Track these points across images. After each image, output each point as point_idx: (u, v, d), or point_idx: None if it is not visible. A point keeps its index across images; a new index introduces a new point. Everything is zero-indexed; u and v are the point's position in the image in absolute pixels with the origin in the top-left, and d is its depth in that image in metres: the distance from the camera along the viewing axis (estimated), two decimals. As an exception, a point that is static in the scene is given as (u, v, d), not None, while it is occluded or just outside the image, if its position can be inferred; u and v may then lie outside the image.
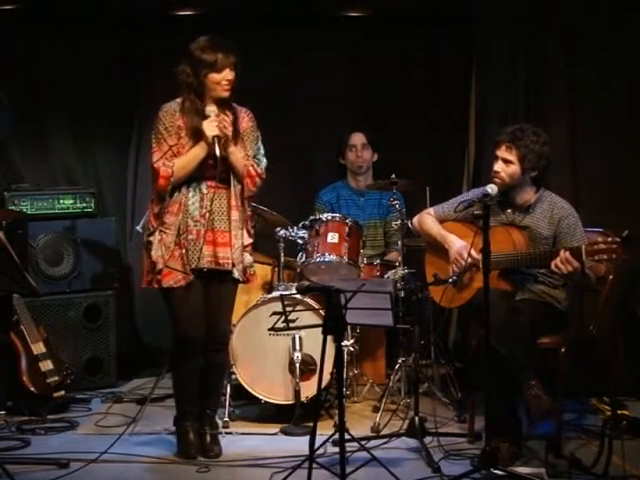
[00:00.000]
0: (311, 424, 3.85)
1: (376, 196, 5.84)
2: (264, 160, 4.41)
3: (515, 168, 4.34)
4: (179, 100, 4.24)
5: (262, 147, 4.43)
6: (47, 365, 5.07)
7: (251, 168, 4.30)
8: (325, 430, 4.27)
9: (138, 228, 5.33)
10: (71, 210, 5.59)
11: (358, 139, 5.85)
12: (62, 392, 5.08)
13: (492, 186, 4.22)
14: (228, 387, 4.89)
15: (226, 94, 4.20)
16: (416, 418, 4.39)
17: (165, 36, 6.04)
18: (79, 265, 5.52)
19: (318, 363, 4.51)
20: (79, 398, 5.28)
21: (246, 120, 4.35)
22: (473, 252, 4.28)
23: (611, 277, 4.41)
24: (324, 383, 4.64)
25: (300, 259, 5.16)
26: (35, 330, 5.09)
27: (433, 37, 6.18)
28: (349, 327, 4.97)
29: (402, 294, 5.01)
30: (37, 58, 5.94)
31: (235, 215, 4.26)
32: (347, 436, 3.86)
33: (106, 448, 4.26)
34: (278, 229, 5.12)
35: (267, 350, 4.87)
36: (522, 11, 5.76)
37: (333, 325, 3.61)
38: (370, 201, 5.87)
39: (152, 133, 4.23)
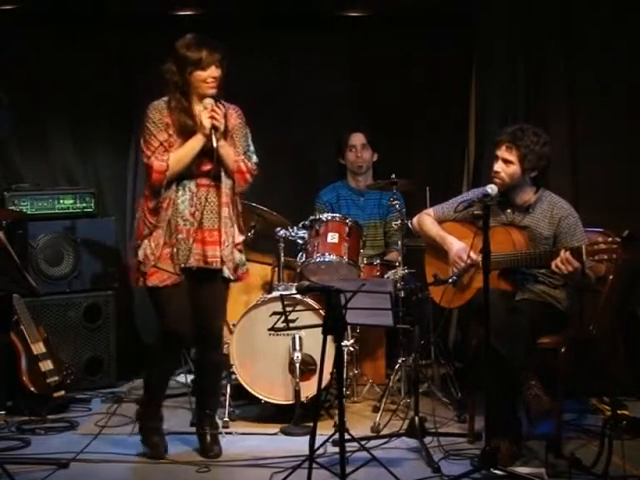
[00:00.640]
0: (311, 424, 3.85)
1: (376, 196, 5.84)
2: (254, 157, 4.39)
3: (515, 168, 4.34)
4: (166, 98, 4.23)
5: (252, 144, 4.41)
6: (47, 365, 5.07)
7: (242, 164, 4.28)
8: (325, 430, 4.27)
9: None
10: (71, 210, 5.59)
11: (358, 139, 5.85)
12: (62, 392, 5.08)
13: (492, 186, 4.22)
14: (228, 387, 4.89)
15: (212, 92, 4.19)
16: (416, 418, 4.39)
17: (165, 36, 5.99)
18: (79, 265, 5.52)
19: (318, 363, 4.51)
20: (79, 398, 5.28)
21: (234, 117, 4.33)
22: (472, 254, 4.28)
23: (611, 277, 4.41)
24: (324, 383, 4.65)
25: (300, 259, 5.16)
26: (35, 330, 5.09)
27: (433, 37, 6.18)
28: (349, 327, 4.97)
29: (402, 294, 5.01)
30: (37, 58, 5.93)
31: (225, 212, 4.24)
32: (347, 436, 3.86)
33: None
34: (278, 229, 5.12)
35: (267, 350, 4.87)
36: (522, 11, 5.75)
37: (333, 325, 3.62)
38: (370, 201, 5.87)
39: (141, 132, 4.22)
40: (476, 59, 6.07)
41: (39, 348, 5.07)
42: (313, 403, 4.61)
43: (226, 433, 4.65)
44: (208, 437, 4.39)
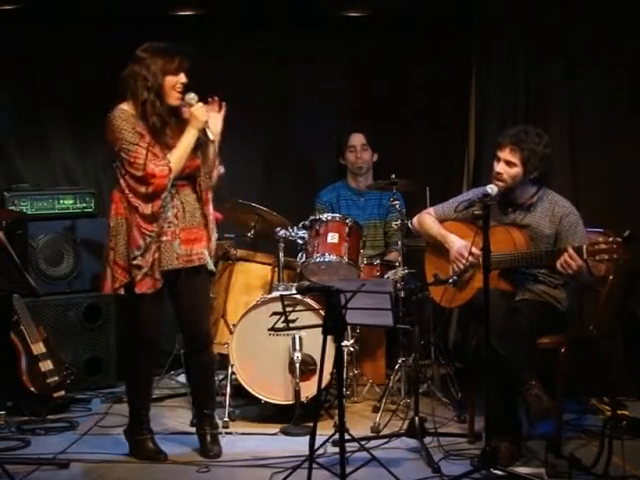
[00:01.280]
0: (311, 424, 3.85)
1: (376, 196, 5.84)
2: None
3: (518, 170, 4.34)
4: (125, 106, 4.14)
5: None
6: (47, 365, 5.07)
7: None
8: (325, 430, 4.28)
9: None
10: (71, 210, 5.59)
11: (358, 140, 5.85)
12: (62, 392, 5.08)
13: (492, 186, 4.22)
14: (228, 387, 4.89)
15: (177, 102, 4.16)
16: (416, 418, 4.39)
17: (165, 36, 6.02)
18: (79, 265, 5.53)
19: (318, 363, 4.51)
20: (79, 398, 5.28)
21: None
22: (474, 249, 4.28)
23: (611, 277, 4.41)
24: (324, 383, 4.65)
25: (300, 259, 5.16)
26: (35, 330, 5.09)
27: (433, 37, 6.18)
28: (349, 327, 4.97)
29: (402, 294, 5.01)
30: (37, 58, 5.93)
31: (210, 209, 4.26)
32: (347, 436, 3.86)
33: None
34: (278, 229, 5.12)
35: (267, 350, 4.87)
36: (522, 11, 5.75)
37: (333, 325, 3.61)
38: (370, 201, 5.87)
39: (119, 144, 4.10)
40: (476, 59, 6.06)
41: (39, 348, 5.07)
42: (313, 403, 4.61)
43: (226, 433, 4.65)
44: (208, 437, 4.39)
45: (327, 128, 6.13)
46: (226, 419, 4.78)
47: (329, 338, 3.74)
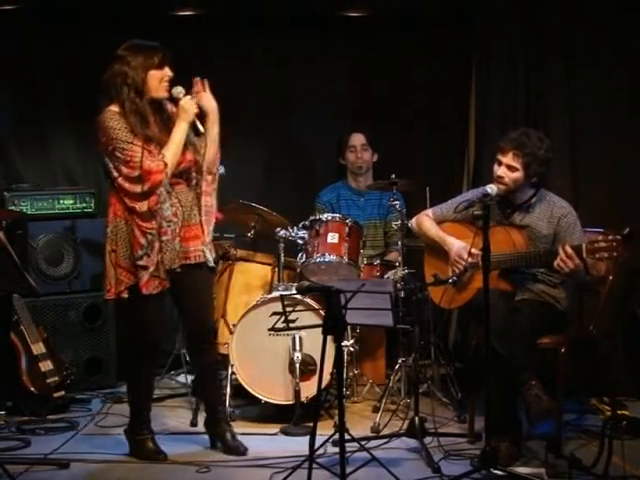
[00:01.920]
0: (311, 424, 3.85)
1: (376, 196, 5.84)
2: None
3: (519, 174, 4.34)
4: (114, 108, 4.15)
5: None
6: (47, 365, 5.07)
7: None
8: (325, 430, 4.27)
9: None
10: (71, 210, 5.59)
11: (358, 140, 5.85)
12: (62, 392, 5.08)
13: (492, 186, 4.22)
14: (228, 387, 4.89)
15: (165, 93, 4.17)
16: (416, 418, 4.39)
17: (165, 36, 6.02)
18: (79, 265, 5.52)
19: (318, 363, 4.51)
20: (79, 398, 5.28)
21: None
22: (473, 250, 4.28)
23: (611, 277, 4.41)
24: (324, 383, 4.65)
25: (300, 259, 5.16)
26: (35, 330, 5.09)
27: (433, 37, 6.18)
28: (349, 327, 4.97)
29: (402, 294, 5.01)
30: (37, 58, 5.93)
31: (209, 200, 4.26)
32: (347, 436, 3.86)
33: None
34: (278, 229, 5.12)
35: (267, 350, 4.87)
36: (522, 11, 5.75)
37: (333, 325, 3.61)
38: (370, 201, 5.87)
39: (113, 144, 4.10)
40: (476, 60, 6.06)
41: (39, 348, 5.07)
42: (313, 403, 4.61)
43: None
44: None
45: (327, 128, 6.13)
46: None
47: (329, 338, 3.73)
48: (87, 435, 4.70)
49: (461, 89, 6.19)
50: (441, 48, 6.20)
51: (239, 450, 4.34)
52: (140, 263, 4.11)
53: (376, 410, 4.92)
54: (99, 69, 5.94)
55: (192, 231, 4.24)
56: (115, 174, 4.12)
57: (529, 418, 4.16)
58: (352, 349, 5.19)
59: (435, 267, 4.64)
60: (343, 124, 6.08)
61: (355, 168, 5.88)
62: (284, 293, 4.75)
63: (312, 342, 4.71)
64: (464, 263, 4.39)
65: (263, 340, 4.85)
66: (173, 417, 4.96)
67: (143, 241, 4.12)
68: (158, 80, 4.14)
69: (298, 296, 4.62)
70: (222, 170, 4.43)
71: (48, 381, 5.04)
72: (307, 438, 3.80)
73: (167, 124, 4.20)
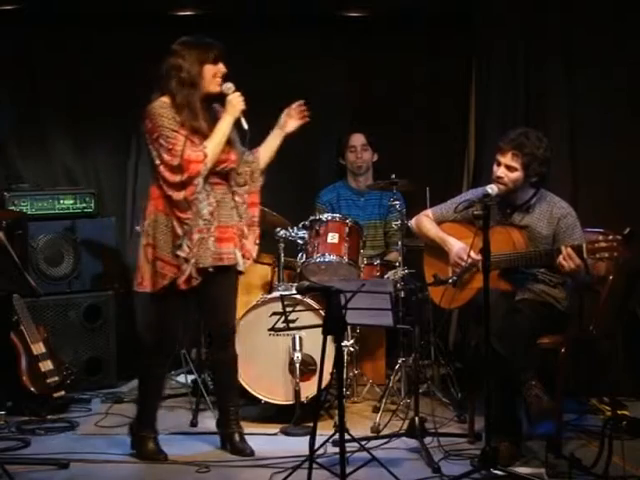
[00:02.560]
0: (311, 424, 3.86)
1: (376, 196, 5.84)
2: None
3: (519, 174, 4.33)
4: (166, 99, 4.16)
5: None
6: (47, 365, 5.07)
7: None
8: (325, 430, 4.27)
9: (138, 228, 5.31)
10: (71, 210, 5.59)
11: (358, 140, 5.85)
12: (62, 392, 5.08)
13: (492, 186, 4.22)
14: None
15: (218, 88, 4.19)
16: (416, 418, 4.38)
17: (165, 36, 6.02)
18: (79, 265, 5.52)
19: (318, 363, 4.51)
20: (79, 398, 5.28)
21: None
22: (472, 253, 4.28)
23: (611, 277, 4.41)
24: (324, 383, 4.64)
25: (300, 259, 5.16)
26: (35, 330, 5.09)
27: (433, 37, 6.18)
28: (349, 327, 4.97)
29: (402, 294, 5.01)
30: (37, 58, 5.94)
31: (256, 212, 4.34)
32: (347, 436, 3.85)
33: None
34: (278, 229, 5.12)
35: (267, 350, 4.87)
36: (522, 12, 5.75)
37: (333, 325, 3.61)
38: (370, 201, 5.87)
39: (158, 131, 4.11)
40: (476, 59, 6.06)
41: (39, 348, 5.07)
42: (313, 403, 4.61)
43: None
44: (237, 436, 4.38)
45: (327, 128, 6.12)
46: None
47: (329, 338, 3.74)
48: (87, 435, 4.70)
49: (461, 89, 6.20)
50: (441, 48, 6.20)
51: (245, 452, 4.34)
52: (180, 254, 4.10)
53: (376, 410, 4.92)
54: (99, 69, 6.00)
55: (227, 232, 4.24)
56: (157, 162, 4.13)
57: (529, 418, 4.16)
58: (352, 349, 5.19)
59: (435, 267, 4.64)
60: (343, 124, 6.08)
61: (355, 168, 5.88)
62: (284, 293, 4.75)
63: (312, 342, 4.71)
64: (464, 264, 4.39)
65: (263, 340, 4.85)
66: (173, 417, 4.95)
67: (180, 231, 4.11)
68: (212, 75, 4.17)
69: (298, 296, 4.62)
70: None
71: (48, 381, 5.04)
72: (307, 438, 3.81)
73: (215, 122, 4.21)
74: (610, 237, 4.05)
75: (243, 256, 4.28)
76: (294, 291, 4.66)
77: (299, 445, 4.28)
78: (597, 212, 5.23)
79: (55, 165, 6.05)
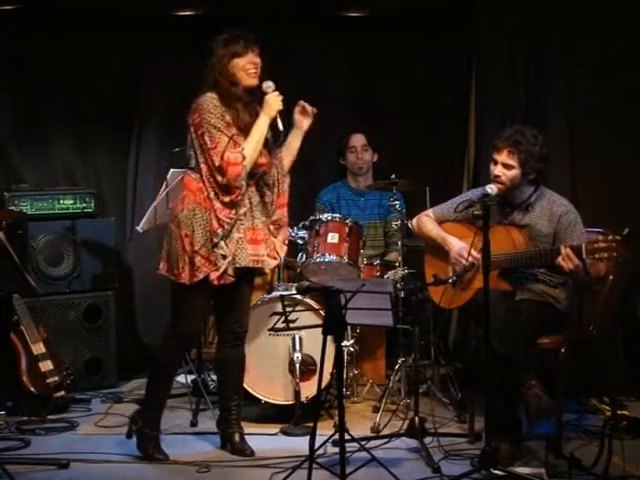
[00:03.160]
0: (311, 424, 3.85)
1: (376, 196, 5.84)
2: None
3: (516, 172, 4.33)
4: (213, 94, 4.14)
5: None
6: (47, 365, 5.07)
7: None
8: (325, 430, 4.27)
9: (138, 228, 5.32)
10: (71, 210, 5.59)
11: (358, 140, 5.85)
12: (62, 392, 5.08)
13: (492, 186, 4.22)
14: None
15: (254, 80, 4.17)
16: (416, 418, 4.38)
17: (165, 36, 6.04)
18: (79, 265, 5.52)
19: (318, 363, 4.51)
20: (79, 398, 5.27)
21: None
22: (473, 252, 4.28)
23: (611, 277, 4.41)
24: (324, 383, 4.64)
25: (300, 259, 5.16)
26: (35, 330, 5.09)
27: (433, 37, 6.19)
28: (349, 327, 4.97)
29: (402, 294, 5.01)
30: (37, 58, 5.94)
31: (285, 212, 4.33)
32: (347, 436, 3.85)
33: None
34: (278, 229, 5.11)
35: (267, 350, 4.87)
36: (522, 12, 5.76)
37: (333, 325, 3.61)
38: (370, 201, 5.87)
39: (204, 127, 4.10)
40: (476, 59, 6.07)
41: (39, 348, 5.07)
42: (313, 403, 4.61)
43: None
44: (237, 436, 4.39)
45: (327, 128, 6.10)
46: (226, 419, 4.77)
47: (329, 338, 3.74)
48: (87, 435, 4.70)
49: (461, 89, 6.19)
50: (441, 48, 6.20)
51: (245, 453, 4.34)
52: (219, 251, 4.10)
53: (376, 410, 4.92)
54: (99, 69, 6.00)
55: (259, 234, 4.24)
56: (201, 159, 4.14)
57: (529, 418, 4.15)
58: (352, 349, 5.19)
59: (435, 267, 4.64)
60: (343, 124, 6.07)
61: (355, 169, 5.88)
62: (284, 293, 4.75)
63: (312, 342, 4.71)
64: (464, 262, 4.39)
65: (263, 340, 4.85)
66: (173, 417, 4.95)
67: (218, 228, 4.11)
68: (241, 68, 4.16)
69: (298, 296, 4.62)
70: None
71: (48, 381, 5.04)
72: (307, 438, 3.80)
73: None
74: (609, 237, 4.05)
75: (268, 255, 4.29)
76: (294, 291, 4.66)
77: (299, 445, 4.28)
78: (596, 212, 5.23)
79: (55, 165, 6.05)
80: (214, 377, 5.23)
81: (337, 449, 3.63)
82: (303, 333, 4.74)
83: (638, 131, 5.53)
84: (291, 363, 4.81)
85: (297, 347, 4.79)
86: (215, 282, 4.12)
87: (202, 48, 5.91)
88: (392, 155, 5.93)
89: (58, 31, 5.92)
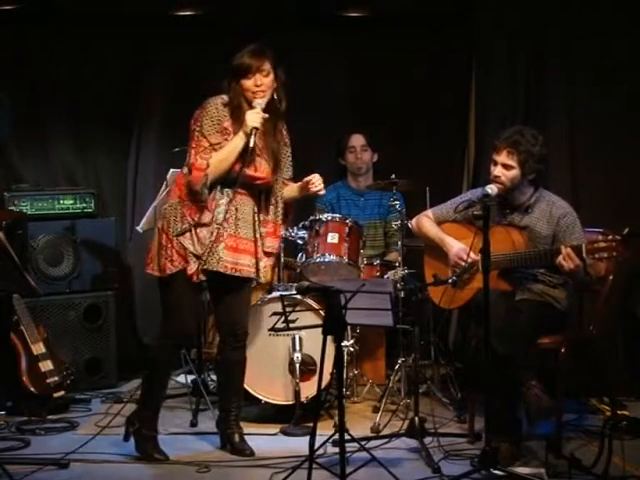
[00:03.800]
0: (311, 424, 3.85)
1: (376, 196, 5.84)
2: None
3: (516, 172, 4.33)
4: (223, 97, 4.18)
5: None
6: (47, 365, 5.07)
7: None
8: (325, 430, 4.27)
9: (138, 228, 5.33)
10: (71, 210, 5.59)
11: (357, 141, 5.85)
12: (62, 392, 5.08)
13: (492, 186, 4.23)
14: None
15: (260, 101, 4.16)
16: (416, 418, 4.38)
17: (165, 36, 6.04)
18: (79, 265, 5.52)
19: (318, 363, 4.51)
20: (79, 398, 5.28)
21: (285, 136, 4.40)
22: (472, 254, 4.28)
23: (611, 277, 4.41)
24: (324, 383, 4.64)
25: (300, 259, 5.16)
26: (35, 330, 5.09)
27: (433, 37, 6.19)
28: (349, 327, 4.97)
29: (402, 294, 5.01)
30: (37, 58, 5.94)
31: (271, 241, 4.32)
32: (347, 436, 3.85)
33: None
34: (278, 229, 5.11)
35: (267, 350, 4.87)
36: (522, 12, 5.76)
37: (333, 325, 3.61)
38: (370, 201, 5.87)
39: (197, 125, 4.14)
40: (476, 59, 6.07)
41: (39, 348, 5.07)
42: (313, 403, 4.61)
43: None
44: (236, 437, 4.39)
45: (327, 128, 6.12)
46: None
47: (329, 338, 3.74)
48: (87, 435, 4.70)
49: (461, 89, 6.20)
50: (441, 48, 6.20)
51: (245, 453, 4.34)
52: (187, 246, 4.10)
53: (376, 410, 4.92)
54: (99, 69, 6.00)
55: (244, 244, 4.23)
56: (188, 153, 4.19)
57: (529, 418, 4.16)
58: (352, 349, 5.19)
59: (435, 267, 4.64)
60: (343, 124, 6.07)
61: (355, 169, 5.88)
62: (284, 293, 4.75)
63: (312, 342, 4.71)
64: (463, 264, 4.39)
65: (263, 340, 4.85)
66: (173, 417, 4.95)
67: (179, 225, 4.13)
68: (247, 89, 4.16)
69: (298, 296, 4.62)
70: None
71: (48, 381, 5.04)
72: (307, 438, 3.80)
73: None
74: (609, 237, 4.05)
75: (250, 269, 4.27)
76: (294, 291, 4.66)
77: (299, 445, 4.27)
78: (597, 212, 5.24)
79: (55, 165, 6.05)
80: (214, 377, 5.24)
81: (337, 449, 3.63)
82: (303, 333, 4.74)
83: (638, 131, 5.53)
84: (291, 363, 4.81)
85: (297, 347, 4.79)
86: (194, 278, 4.14)
87: (202, 48, 5.96)
88: (392, 155, 5.93)
89: (58, 31, 5.92)
